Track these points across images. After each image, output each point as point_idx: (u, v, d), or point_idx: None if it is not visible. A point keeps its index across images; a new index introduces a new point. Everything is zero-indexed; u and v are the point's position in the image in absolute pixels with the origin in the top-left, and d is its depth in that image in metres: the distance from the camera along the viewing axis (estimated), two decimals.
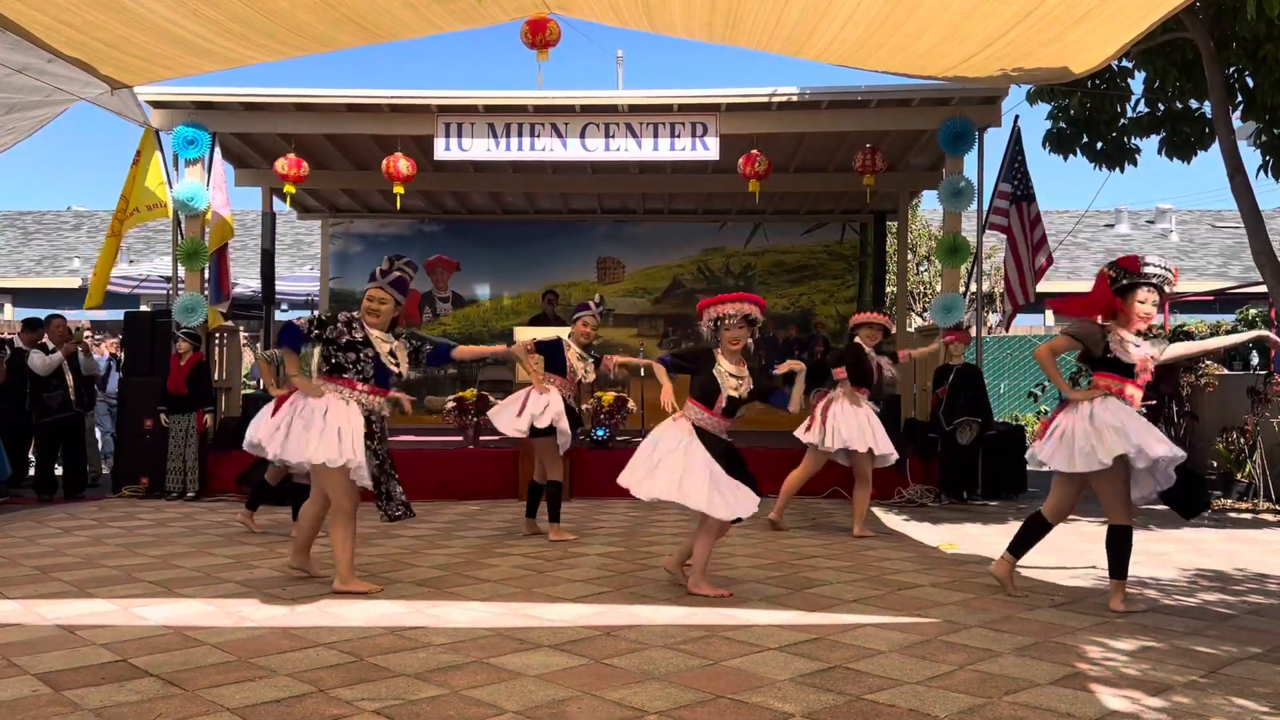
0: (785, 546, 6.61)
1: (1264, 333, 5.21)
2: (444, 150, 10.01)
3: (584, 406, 8.48)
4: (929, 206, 22.11)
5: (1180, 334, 11.78)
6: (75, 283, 22.16)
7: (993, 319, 18.38)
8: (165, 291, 12.91)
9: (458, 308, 14.37)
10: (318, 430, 4.87)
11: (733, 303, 5.07)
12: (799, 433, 7.25)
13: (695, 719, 3.23)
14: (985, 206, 10.12)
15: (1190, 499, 4.86)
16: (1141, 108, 9.33)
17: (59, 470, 9.52)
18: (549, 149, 9.99)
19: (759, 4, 7.04)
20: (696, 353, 5.25)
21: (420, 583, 5.38)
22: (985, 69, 7.94)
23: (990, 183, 10.21)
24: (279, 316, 12.77)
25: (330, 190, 13.12)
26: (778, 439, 8.34)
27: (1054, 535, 5.14)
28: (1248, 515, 8.44)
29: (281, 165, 10.06)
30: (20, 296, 23.27)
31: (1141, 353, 4.69)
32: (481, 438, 9.91)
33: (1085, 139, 9.63)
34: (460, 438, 10.08)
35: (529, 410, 6.65)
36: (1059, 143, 9.67)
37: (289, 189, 10.46)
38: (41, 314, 9.92)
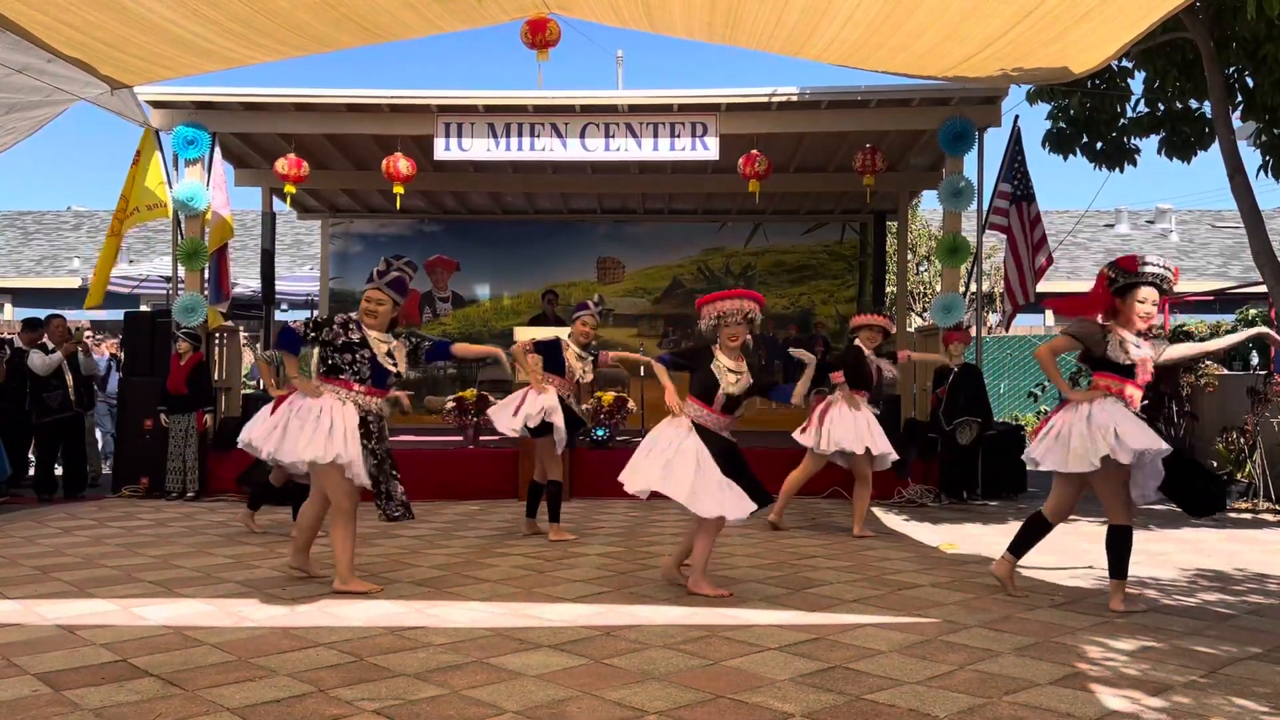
0: (785, 546, 6.61)
1: (1262, 329, 5.21)
2: (444, 150, 10.01)
3: (584, 406, 8.48)
4: (929, 206, 22.13)
5: (1180, 334, 11.78)
6: (75, 283, 22.16)
7: (993, 319, 18.38)
8: (165, 291, 12.91)
9: (458, 308, 14.35)
10: (310, 429, 4.88)
11: (732, 299, 5.09)
12: (796, 435, 7.26)
13: (695, 719, 3.23)
14: (985, 206, 10.11)
15: (1200, 496, 4.80)
16: (1141, 108, 9.34)
17: (59, 470, 9.52)
18: (549, 149, 9.99)
19: (759, 4, 7.05)
20: (695, 350, 5.27)
21: (420, 583, 5.38)
22: (985, 69, 7.94)
23: (990, 183, 10.23)
24: (279, 316, 12.77)
25: (330, 190, 13.11)
26: (778, 439, 8.34)
27: (1054, 535, 5.13)
28: (1248, 515, 8.43)
29: (281, 165, 10.06)
30: (20, 296, 23.28)
31: (1141, 353, 4.68)
32: (481, 438, 9.92)
33: (1085, 139, 9.64)
34: (460, 438, 10.08)
35: (524, 410, 6.66)
36: (1059, 143, 9.67)
37: (289, 189, 10.46)
38: (41, 314, 9.92)
